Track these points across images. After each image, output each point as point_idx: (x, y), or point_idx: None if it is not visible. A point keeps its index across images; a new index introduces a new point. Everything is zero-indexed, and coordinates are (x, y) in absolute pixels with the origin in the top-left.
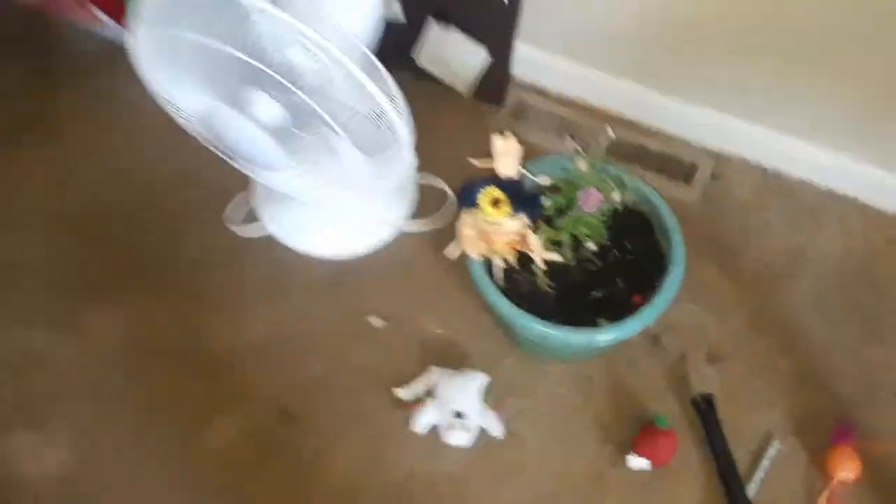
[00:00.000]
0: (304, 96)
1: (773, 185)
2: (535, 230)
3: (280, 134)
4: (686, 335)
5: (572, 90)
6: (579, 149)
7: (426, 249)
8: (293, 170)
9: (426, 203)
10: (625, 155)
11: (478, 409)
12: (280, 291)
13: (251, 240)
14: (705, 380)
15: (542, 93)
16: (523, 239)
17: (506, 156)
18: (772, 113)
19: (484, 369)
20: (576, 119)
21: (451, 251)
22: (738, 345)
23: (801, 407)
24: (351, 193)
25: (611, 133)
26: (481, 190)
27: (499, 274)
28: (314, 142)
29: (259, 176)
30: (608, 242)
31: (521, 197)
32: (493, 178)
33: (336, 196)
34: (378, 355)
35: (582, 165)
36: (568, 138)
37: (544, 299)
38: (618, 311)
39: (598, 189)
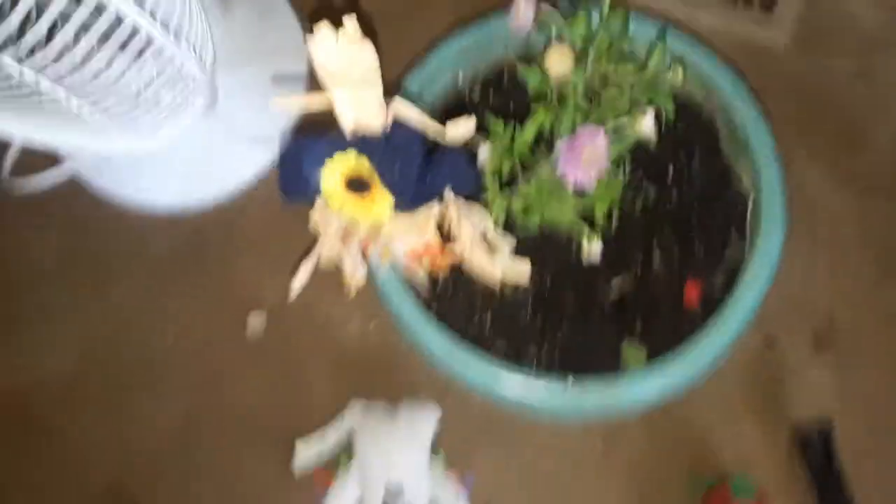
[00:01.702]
0: None
1: None
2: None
3: None
4: (774, 301)
5: None
6: (550, 11)
7: None
8: None
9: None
10: None
11: (425, 474)
12: (96, 279)
13: (41, 195)
14: (814, 389)
15: None
16: (438, 250)
17: (347, 78)
18: None
19: (436, 396)
20: None
21: (300, 279)
22: (867, 314)
23: None
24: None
25: None
26: (324, 159)
27: (421, 282)
28: None
29: None
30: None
31: (411, 157)
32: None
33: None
34: (263, 383)
35: (560, 60)
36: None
37: (516, 311)
38: (657, 314)
39: (602, 123)
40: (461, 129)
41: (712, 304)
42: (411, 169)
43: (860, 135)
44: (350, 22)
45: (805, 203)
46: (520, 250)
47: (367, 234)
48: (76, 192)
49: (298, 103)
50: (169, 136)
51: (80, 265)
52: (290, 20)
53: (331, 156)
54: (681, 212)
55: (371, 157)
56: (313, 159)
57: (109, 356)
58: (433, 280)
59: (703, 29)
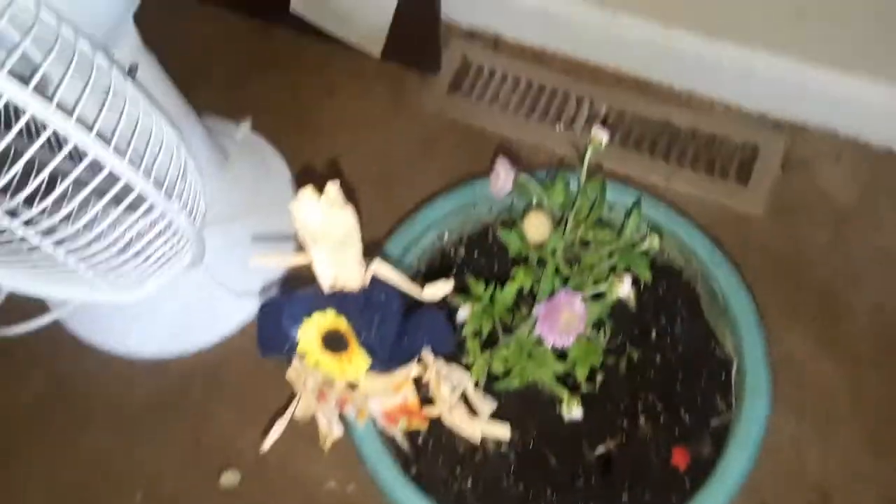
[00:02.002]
0: None
1: (886, 171)
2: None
3: None
4: (765, 468)
5: (545, 37)
6: (529, 180)
7: None
8: None
9: None
10: (636, 141)
11: None
12: (71, 424)
13: (23, 340)
14: None
15: (497, 44)
16: (416, 410)
17: (327, 239)
18: (880, 55)
19: None
20: (554, 84)
21: (273, 435)
22: (860, 484)
23: None
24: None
25: (602, 137)
26: (302, 316)
27: (400, 439)
28: None
29: None
30: (612, 355)
31: (389, 316)
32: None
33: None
34: None
35: (538, 227)
36: (500, 161)
37: (499, 475)
38: (645, 481)
39: (581, 288)
40: (439, 290)
41: (701, 471)
42: (389, 328)
43: (840, 304)
44: (332, 187)
45: (791, 369)
46: (501, 407)
47: (344, 391)
48: (61, 335)
49: (277, 262)
50: (155, 287)
51: (57, 409)
52: (285, 177)
53: (309, 313)
54: (665, 374)
55: (348, 316)
56: (291, 315)
57: None
58: (413, 436)
59: (680, 196)
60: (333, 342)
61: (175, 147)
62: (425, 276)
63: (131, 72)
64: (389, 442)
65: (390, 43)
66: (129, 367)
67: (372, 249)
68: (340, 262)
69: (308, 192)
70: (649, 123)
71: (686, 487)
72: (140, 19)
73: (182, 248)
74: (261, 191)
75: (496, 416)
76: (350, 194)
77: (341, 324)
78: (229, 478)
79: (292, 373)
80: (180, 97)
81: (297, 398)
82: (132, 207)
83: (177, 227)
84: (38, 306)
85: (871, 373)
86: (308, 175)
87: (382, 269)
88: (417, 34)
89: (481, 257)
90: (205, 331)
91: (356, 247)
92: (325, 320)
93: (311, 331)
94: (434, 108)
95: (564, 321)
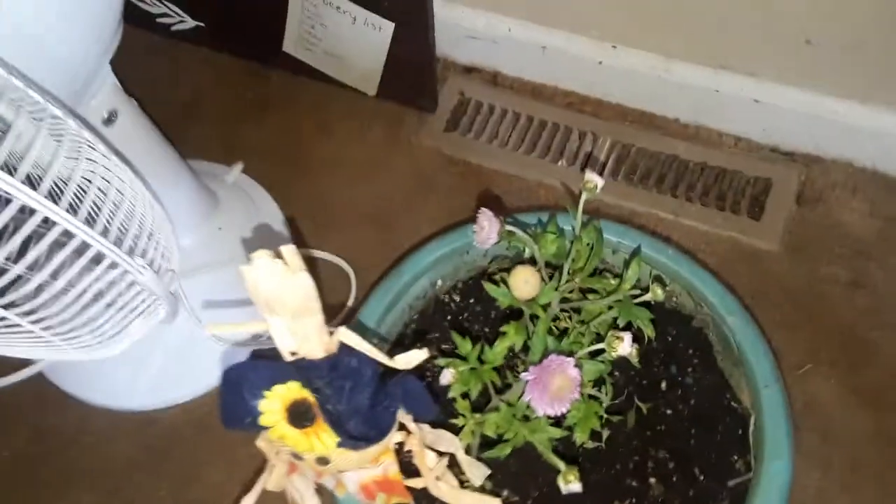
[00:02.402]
0: None
1: None
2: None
3: None
4: None
5: (545, 72)
6: (516, 230)
7: None
8: None
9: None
10: (642, 176)
11: None
12: (53, 485)
13: (5, 392)
14: None
15: (496, 79)
16: (396, 483)
17: (282, 308)
18: (893, 84)
19: None
20: (555, 119)
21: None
22: None
23: None
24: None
25: (596, 181)
26: (261, 389)
27: None
28: None
29: None
30: (616, 406)
31: (361, 385)
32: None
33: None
34: None
35: (525, 283)
36: (483, 212)
37: None
38: None
39: (575, 350)
40: (412, 359)
41: None
42: (361, 396)
43: (864, 345)
44: (287, 250)
45: (814, 417)
46: (497, 468)
47: (314, 466)
48: (44, 387)
49: (234, 330)
50: (127, 344)
51: (40, 465)
52: (277, 221)
53: (271, 384)
54: (676, 430)
55: (316, 385)
56: (252, 386)
57: None
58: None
59: (689, 232)
60: (300, 413)
61: (142, 201)
62: (417, 324)
63: (110, 120)
64: None
65: (385, 82)
66: (114, 421)
67: (365, 296)
68: (300, 332)
69: (261, 255)
70: (655, 158)
71: None
72: (126, 62)
73: (152, 305)
74: (252, 235)
75: (491, 478)
76: (347, 236)
77: (308, 394)
78: None
79: (263, 442)
80: (164, 144)
81: (267, 469)
82: (95, 261)
83: (143, 285)
84: (19, 359)
85: (877, 421)
86: (301, 218)
87: (349, 338)
88: (413, 72)
89: (477, 304)
90: (192, 381)
91: (316, 315)
92: (290, 392)
93: (274, 403)
94: (432, 146)
95: (556, 387)
